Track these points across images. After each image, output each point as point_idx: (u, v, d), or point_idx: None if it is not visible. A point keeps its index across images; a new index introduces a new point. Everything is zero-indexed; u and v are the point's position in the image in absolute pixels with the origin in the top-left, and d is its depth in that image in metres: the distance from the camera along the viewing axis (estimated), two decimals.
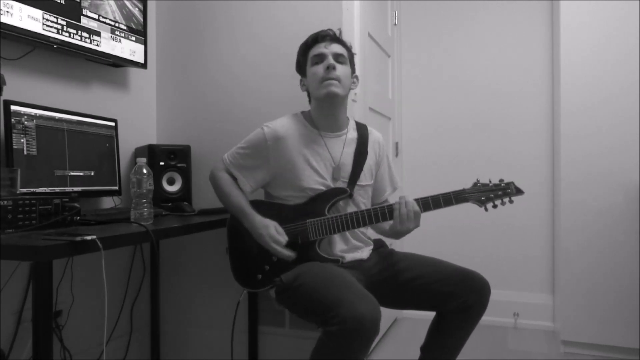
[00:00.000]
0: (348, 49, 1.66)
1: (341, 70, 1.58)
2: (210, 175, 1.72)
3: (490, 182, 1.52)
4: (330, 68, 1.56)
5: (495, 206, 1.51)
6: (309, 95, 1.70)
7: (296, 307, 1.50)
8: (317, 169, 1.60)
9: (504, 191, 1.49)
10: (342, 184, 1.62)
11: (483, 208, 1.51)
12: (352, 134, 1.70)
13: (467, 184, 1.53)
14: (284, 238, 1.53)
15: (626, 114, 2.29)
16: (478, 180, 1.52)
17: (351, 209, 1.61)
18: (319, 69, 1.58)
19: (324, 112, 1.64)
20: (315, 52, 1.60)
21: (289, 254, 1.52)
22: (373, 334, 1.24)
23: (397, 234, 1.54)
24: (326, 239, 1.59)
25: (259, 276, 1.58)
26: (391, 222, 1.52)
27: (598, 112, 2.34)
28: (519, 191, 1.50)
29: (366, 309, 1.24)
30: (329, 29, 1.64)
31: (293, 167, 1.59)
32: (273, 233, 1.52)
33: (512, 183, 1.50)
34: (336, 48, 1.60)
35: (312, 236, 1.55)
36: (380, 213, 1.52)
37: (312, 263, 1.52)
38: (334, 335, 1.24)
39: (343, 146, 1.66)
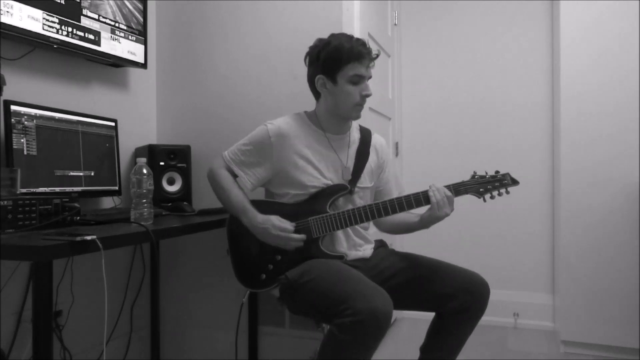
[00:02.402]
0: None
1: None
2: (208, 173, 1.69)
3: (486, 173, 1.54)
4: (366, 97, 1.58)
5: (492, 197, 1.52)
6: (315, 92, 1.65)
7: (302, 304, 1.49)
8: (319, 168, 1.60)
9: (501, 182, 1.52)
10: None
11: (482, 199, 1.53)
12: (354, 135, 1.71)
13: None
14: (290, 224, 1.53)
15: (627, 114, 2.29)
16: (475, 173, 1.54)
17: (352, 205, 1.61)
18: (356, 92, 1.56)
19: (336, 118, 1.65)
20: (358, 71, 1.55)
21: (299, 237, 1.51)
22: (385, 327, 1.25)
23: (432, 222, 1.52)
24: (328, 236, 1.59)
25: (263, 276, 1.58)
26: (407, 213, 1.54)
27: (597, 104, 2.33)
28: (514, 182, 1.52)
29: (380, 302, 1.25)
30: (370, 47, 1.59)
31: (295, 166, 1.59)
32: (277, 223, 1.52)
33: (508, 174, 1.53)
34: (371, 72, 1.61)
35: (315, 233, 1.55)
36: (398, 204, 1.51)
37: (317, 260, 1.52)
38: (346, 328, 1.24)
39: (348, 147, 1.66)
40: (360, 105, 1.59)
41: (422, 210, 1.53)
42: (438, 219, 1.49)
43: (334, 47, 1.55)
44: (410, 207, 1.52)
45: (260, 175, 1.63)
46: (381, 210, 1.52)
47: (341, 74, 1.55)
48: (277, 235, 1.51)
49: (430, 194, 1.48)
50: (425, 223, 1.55)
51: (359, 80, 1.56)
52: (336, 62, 1.54)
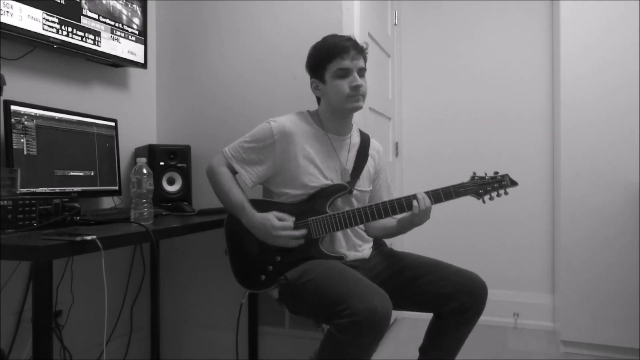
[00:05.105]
0: (366, 59, 1.64)
1: (364, 85, 1.59)
2: (207, 169, 1.67)
3: (486, 174, 1.54)
4: (357, 87, 1.56)
5: (492, 198, 1.53)
6: (317, 97, 1.68)
7: (302, 305, 1.49)
8: (321, 168, 1.60)
9: (500, 183, 1.53)
10: None
11: (481, 200, 1.53)
12: (355, 138, 1.71)
13: None
14: (290, 219, 1.53)
15: (627, 119, 2.28)
16: (475, 174, 1.54)
17: (349, 207, 1.61)
18: (344, 85, 1.55)
19: (337, 117, 1.64)
20: (341, 65, 1.55)
21: (299, 234, 1.51)
22: (384, 327, 1.25)
23: (410, 227, 1.55)
24: (328, 236, 1.58)
25: (262, 277, 1.57)
26: (391, 217, 1.55)
27: (597, 109, 2.33)
28: (513, 183, 1.53)
29: (378, 302, 1.25)
30: (354, 40, 1.60)
31: (297, 165, 1.58)
32: (276, 222, 1.51)
33: (507, 175, 1.54)
34: (361, 63, 1.59)
35: (315, 234, 1.55)
36: (398, 205, 1.51)
37: (317, 260, 1.52)
38: (345, 328, 1.24)
39: (348, 150, 1.67)
40: (352, 96, 1.56)
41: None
42: (415, 225, 1.53)
43: (317, 49, 1.61)
44: (387, 214, 1.54)
45: (261, 173, 1.62)
46: (381, 210, 1.52)
47: (327, 73, 1.58)
48: (277, 235, 1.50)
49: (417, 200, 1.49)
50: (403, 228, 1.58)
51: (344, 73, 1.56)
52: (320, 62, 1.59)
